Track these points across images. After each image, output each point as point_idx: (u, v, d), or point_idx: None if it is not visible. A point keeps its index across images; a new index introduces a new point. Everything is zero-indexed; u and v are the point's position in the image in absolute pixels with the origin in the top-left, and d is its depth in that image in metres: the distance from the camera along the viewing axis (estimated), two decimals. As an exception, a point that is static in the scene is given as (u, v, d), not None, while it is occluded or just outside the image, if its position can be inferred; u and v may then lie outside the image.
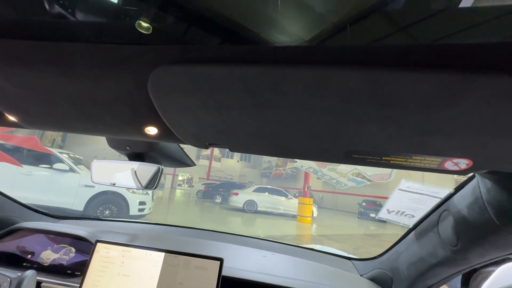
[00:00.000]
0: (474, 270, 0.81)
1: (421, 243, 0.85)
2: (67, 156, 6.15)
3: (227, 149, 0.57)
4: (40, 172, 5.69)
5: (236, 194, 12.22)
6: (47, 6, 0.33)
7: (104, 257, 0.88)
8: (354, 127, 0.39)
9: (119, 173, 0.91)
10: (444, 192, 0.82)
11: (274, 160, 23.79)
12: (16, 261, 1.02)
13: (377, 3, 0.27)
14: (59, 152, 6.14)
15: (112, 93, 0.46)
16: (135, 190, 5.97)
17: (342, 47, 0.30)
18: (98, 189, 5.75)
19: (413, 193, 0.97)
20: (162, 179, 0.90)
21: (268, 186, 13.92)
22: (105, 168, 0.94)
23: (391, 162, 0.46)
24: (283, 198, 12.49)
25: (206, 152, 22.46)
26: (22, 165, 5.51)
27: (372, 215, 13.74)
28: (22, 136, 6.28)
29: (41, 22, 0.36)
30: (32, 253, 1.03)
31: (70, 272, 0.99)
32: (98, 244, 0.90)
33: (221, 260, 0.85)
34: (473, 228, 0.64)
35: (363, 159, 0.47)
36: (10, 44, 0.39)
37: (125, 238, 1.12)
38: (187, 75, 0.36)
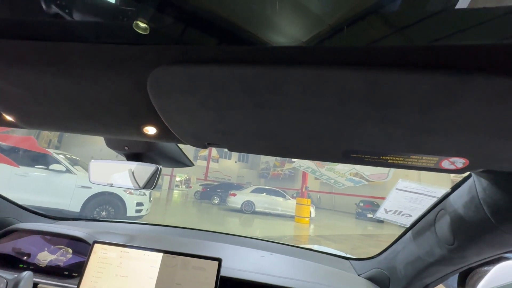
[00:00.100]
0: (470, 270, 0.82)
1: (418, 242, 0.86)
2: (63, 157, 6.10)
3: (225, 150, 0.57)
4: (37, 173, 5.64)
5: (234, 195, 12.21)
6: (44, 7, 0.33)
7: (101, 258, 0.88)
8: (352, 127, 0.39)
9: (117, 174, 0.90)
10: (440, 192, 0.83)
11: (272, 160, 23.81)
12: (12, 262, 1.01)
13: (374, 5, 0.27)
14: (55, 153, 6.09)
15: (111, 93, 0.46)
16: (132, 191, 5.94)
17: (341, 48, 0.30)
18: (95, 190, 5.71)
19: (410, 193, 0.98)
20: (159, 179, 0.90)
21: (266, 187, 13.92)
22: (103, 168, 0.93)
23: (389, 161, 0.46)
24: (281, 199, 12.50)
25: (204, 152, 22.41)
26: (19, 166, 5.46)
27: (370, 215, 13.79)
28: (19, 136, 6.22)
29: (39, 22, 0.36)
30: (29, 255, 1.02)
31: (67, 273, 0.98)
32: (96, 245, 0.90)
33: (219, 260, 0.84)
34: (469, 227, 0.65)
35: (361, 159, 0.48)
36: (7, 44, 0.39)
37: (122, 239, 1.11)
38: (187, 75, 0.36)
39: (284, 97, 0.36)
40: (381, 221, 12.90)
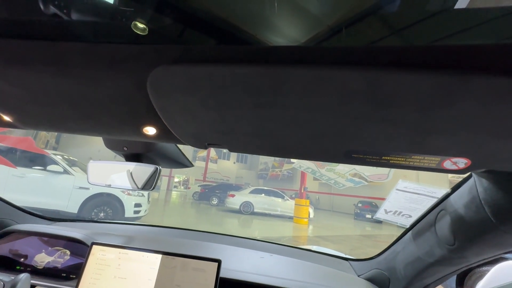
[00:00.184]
0: (469, 270, 0.82)
1: (418, 242, 0.86)
2: (61, 157, 6.07)
3: (224, 150, 0.57)
4: (34, 174, 5.61)
5: (233, 195, 12.18)
6: (42, 6, 0.33)
7: (100, 259, 0.87)
8: (354, 127, 0.39)
9: (116, 174, 0.89)
10: (441, 192, 0.83)
11: (270, 161, 23.83)
12: (9, 264, 1.00)
13: (373, 6, 0.27)
14: (53, 154, 6.06)
15: (110, 93, 0.46)
16: (130, 192, 5.91)
17: (342, 47, 0.30)
18: (93, 191, 5.68)
19: (410, 193, 0.98)
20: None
21: (265, 188, 13.91)
22: (101, 169, 0.93)
23: (391, 161, 0.46)
24: (279, 200, 12.49)
25: (203, 153, 22.39)
26: (16, 167, 5.42)
27: (368, 216, 13.81)
28: (17, 137, 6.19)
29: (38, 21, 0.36)
30: (26, 256, 1.01)
31: (65, 275, 0.97)
32: (94, 247, 0.89)
33: (219, 261, 0.84)
34: (470, 227, 0.65)
35: (362, 159, 0.47)
36: (5, 43, 0.38)
37: (121, 240, 1.10)
38: (187, 75, 0.36)
39: (285, 97, 0.36)
40: (379, 222, 12.93)
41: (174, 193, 19.58)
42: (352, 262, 1.27)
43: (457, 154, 0.41)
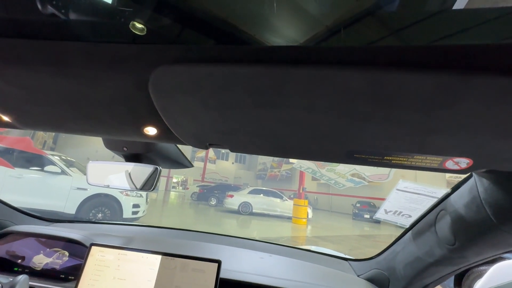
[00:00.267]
0: (467, 270, 0.82)
1: (418, 242, 0.86)
2: (58, 158, 6.04)
3: (222, 151, 0.57)
4: (31, 174, 5.57)
5: (231, 196, 12.18)
6: (42, 5, 0.33)
7: (99, 260, 0.87)
8: (356, 127, 0.39)
9: (116, 175, 0.89)
10: (441, 192, 0.83)
11: (269, 162, 23.84)
12: (7, 266, 0.99)
13: (372, 6, 0.27)
14: (51, 154, 6.03)
15: (110, 93, 0.45)
16: (128, 193, 5.89)
17: (343, 47, 0.30)
18: (91, 191, 5.66)
19: (410, 193, 0.98)
20: (156, 181, 0.89)
21: (263, 188, 13.91)
22: (101, 170, 0.92)
23: (393, 161, 0.46)
24: (278, 200, 12.50)
25: (201, 153, 22.36)
26: (14, 168, 5.39)
27: (366, 216, 13.86)
28: (15, 137, 6.15)
29: (37, 20, 0.35)
30: (24, 258, 1.00)
31: (63, 276, 0.96)
32: (93, 248, 0.89)
33: (219, 262, 0.84)
34: (470, 227, 0.65)
35: (365, 159, 0.47)
36: (4, 42, 0.38)
37: (120, 241, 1.10)
38: (189, 74, 0.36)
39: (287, 97, 0.35)
40: (377, 222, 12.97)
41: (173, 194, 19.53)
42: (351, 262, 1.27)
43: (459, 154, 0.41)
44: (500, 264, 0.76)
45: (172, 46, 0.34)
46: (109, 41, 0.35)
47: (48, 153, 6.08)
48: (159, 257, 0.86)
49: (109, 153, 0.96)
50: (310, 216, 11.55)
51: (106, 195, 5.80)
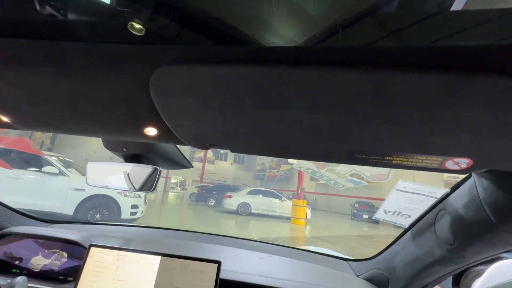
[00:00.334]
0: (465, 269, 0.83)
1: (418, 242, 0.86)
2: (56, 159, 6.01)
3: (221, 151, 0.56)
4: (29, 175, 5.54)
5: (230, 196, 12.17)
6: (38, 7, 0.33)
7: (98, 261, 0.86)
8: (357, 127, 0.39)
9: (115, 175, 0.89)
10: (440, 192, 0.83)
11: (267, 162, 23.84)
12: (4, 267, 0.98)
13: (370, 7, 0.28)
14: (48, 155, 5.99)
15: (111, 94, 0.45)
16: (127, 193, 5.87)
17: (345, 48, 0.30)
18: (89, 192, 5.64)
19: (410, 193, 0.98)
20: (155, 182, 0.89)
21: (262, 189, 13.92)
22: (100, 170, 0.92)
23: (393, 162, 0.46)
24: (276, 200, 12.50)
25: (200, 154, 22.32)
26: (12, 168, 5.35)
27: (365, 216, 13.88)
28: (13, 138, 6.11)
29: (37, 19, 0.35)
30: (22, 259, 1.00)
31: (62, 278, 0.96)
32: (92, 249, 0.88)
33: (218, 262, 0.84)
34: (470, 227, 0.65)
35: (365, 159, 0.48)
36: (3, 42, 0.38)
37: (119, 242, 1.09)
38: (190, 75, 0.36)
39: (288, 97, 0.36)
40: (376, 222, 13.00)
41: (171, 194, 19.49)
42: (350, 262, 1.27)
43: (459, 154, 0.41)
44: (498, 264, 0.76)
45: (173, 47, 0.34)
46: (109, 41, 0.35)
47: (46, 154, 6.05)
48: (158, 258, 0.86)
49: (107, 153, 0.96)
50: (309, 216, 11.55)
51: (104, 196, 5.78)
